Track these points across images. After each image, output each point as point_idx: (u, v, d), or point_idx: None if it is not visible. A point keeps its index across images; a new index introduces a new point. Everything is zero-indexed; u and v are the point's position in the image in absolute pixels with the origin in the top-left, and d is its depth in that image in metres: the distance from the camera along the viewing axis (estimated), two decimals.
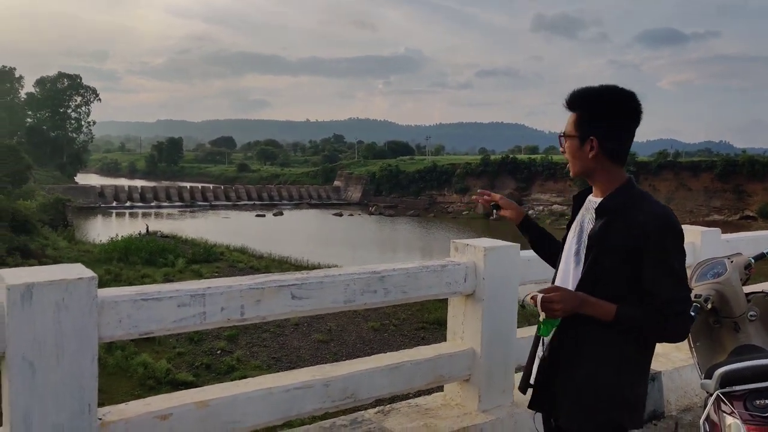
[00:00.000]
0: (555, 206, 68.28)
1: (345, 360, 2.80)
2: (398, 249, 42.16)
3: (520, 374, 3.37)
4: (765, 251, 3.11)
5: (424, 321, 16.98)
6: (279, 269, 25.06)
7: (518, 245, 2.96)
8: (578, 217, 1.98)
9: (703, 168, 61.44)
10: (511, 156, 76.65)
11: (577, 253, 1.89)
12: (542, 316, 1.77)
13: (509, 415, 2.86)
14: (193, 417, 2.11)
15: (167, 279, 20.98)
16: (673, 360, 3.73)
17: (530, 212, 68.79)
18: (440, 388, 3.08)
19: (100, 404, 1.96)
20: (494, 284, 2.85)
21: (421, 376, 2.73)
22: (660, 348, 3.98)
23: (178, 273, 22.09)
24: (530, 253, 3.17)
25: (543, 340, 1.89)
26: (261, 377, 2.49)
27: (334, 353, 14.53)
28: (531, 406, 1.97)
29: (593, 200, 1.93)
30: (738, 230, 6.74)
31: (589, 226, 1.88)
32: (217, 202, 70.43)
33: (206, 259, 25.54)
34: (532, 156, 77.79)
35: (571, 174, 1.96)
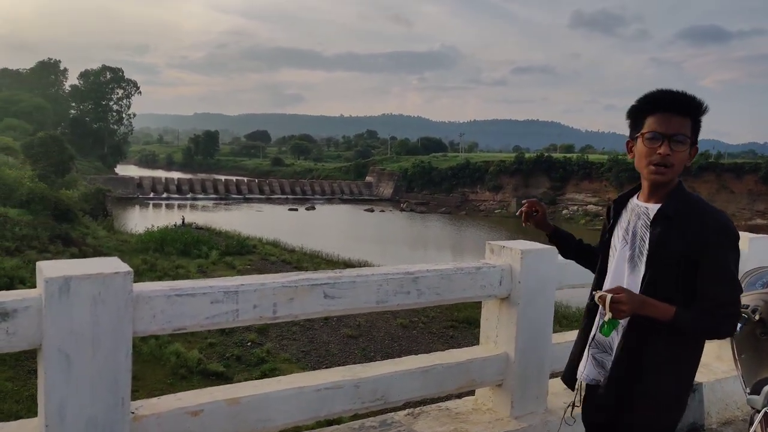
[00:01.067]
0: (590, 206, 67.05)
1: (373, 356, 2.81)
2: (429, 247, 42.05)
3: (555, 380, 3.29)
4: None
5: (454, 319, 16.88)
6: (310, 263, 25.26)
7: (555, 248, 2.88)
8: (626, 223, 1.99)
9: (746, 170, 59.53)
10: (546, 154, 75.51)
11: (632, 258, 1.93)
12: (608, 316, 1.79)
13: (542, 423, 2.79)
14: (224, 414, 2.11)
15: (201, 270, 21.34)
16: (714, 371, 3.60)
17: (564, 212, 67.90)
18: (472, 392, 3.03)
19: (134, 391, 1.97)
20: (530, 288, 2.78)
21: (453, 380, 2.68)
22: (702, 358, 3.85)
23: (211, 265, 22.44)
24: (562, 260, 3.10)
25: (596, 338, 1.99)
26: (292, 376, 2.48)
27: (362, 349, 14.57)
28: (587, 409, 2.03)
29: (643, 205, 1.95)
30: None
31: (644, 232, 1.90)
32: (251, 196, 71.34)
33: (239, 252, 25.87)
34: (568, 155, 76.56)
35: (664, 180, 1.89)
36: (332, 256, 28.39)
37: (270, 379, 2.43)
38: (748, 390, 2.35)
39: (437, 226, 55.35)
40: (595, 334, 1.97)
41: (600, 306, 1.85)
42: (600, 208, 66.37)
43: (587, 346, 2.02)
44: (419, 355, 2.77)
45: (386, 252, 34.12)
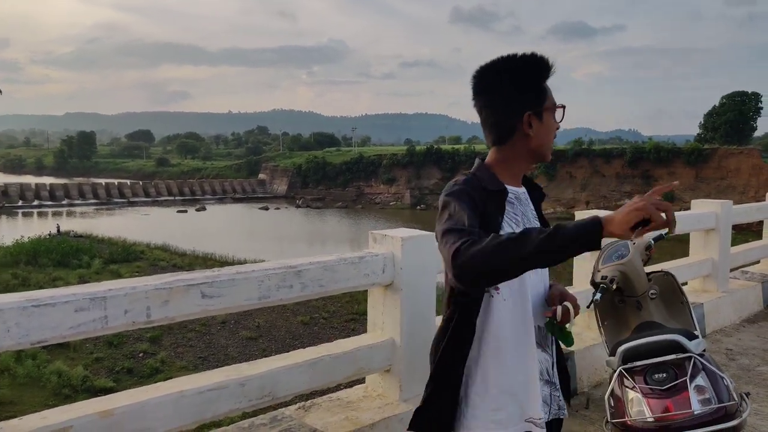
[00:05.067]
0: None
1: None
2: (327, 241, 41.98)
3: None
4: (663, 233, 3.29)
5: (354, 312, 17.00)
6: (203, 266, 24.34)
7: (433, 234, 2.99)
8: (513, 211, 1.65)
9: (614, 155, 64.84)
10: (435, 146, 77.85)
11: None
12: (570, 326, 1.71)
13: None
14: (97, 428, 1.99)
15: (82, 281, 19.89)
16: (584, 339, 3.90)
17: None
18: (364, 380, 3.07)
19: (9, 417, 1.81)
20: (412, 274, 2.86)
21: (342, 370, 2.71)
22: (574, 328, 4.16)
23: (94, 274, 20.99)
24: None
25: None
26: (172, 381, 2.39)
27: (263, 349, 14.28)
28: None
29: (520, 190, 1.70)
30: None
31: (534, 219, 1.71)
32: (136, 199, 67.38)
33: (125, 259, 24.41)
34: (456, 146, 79.42)
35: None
36: (227, 257, 27.54)
37: (148, 386, 2.32)
38: (609, 353, 2.58)
39: (334, 221, 55.38)
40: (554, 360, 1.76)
41: (553, 316, 1.66)
42: None
43: (541, 373, 1.66)
44: (306, 348, 2.77)
45: (284, 250, 33.65)
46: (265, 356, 2.95)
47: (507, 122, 1.59)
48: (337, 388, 3.05)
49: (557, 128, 1.64)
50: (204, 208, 61.76)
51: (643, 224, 1.31)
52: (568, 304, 1.69)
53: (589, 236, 1.30)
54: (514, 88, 1.57)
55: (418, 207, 68.58)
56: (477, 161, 1.69)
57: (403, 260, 2.82)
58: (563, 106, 1.64)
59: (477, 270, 1.35)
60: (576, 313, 1.69)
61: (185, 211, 58.74)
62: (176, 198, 68.99)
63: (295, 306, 16.23)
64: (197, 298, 2.20)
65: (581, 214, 4.21)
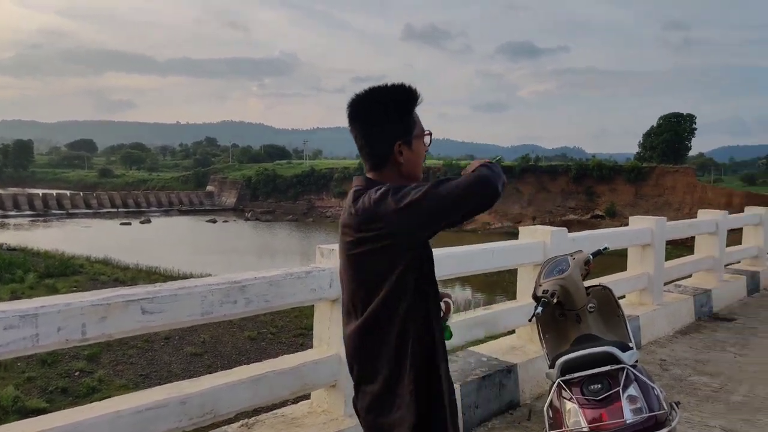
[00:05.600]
0: None
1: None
2: (277, 255, 41.45)
3: None
4: (601, 248, 3.43)
5: (303, 327, 16.78)
6: (147, 280, 23.58)
7: None
8: None
9: (559, 172, 66.85)
10: None
11: None
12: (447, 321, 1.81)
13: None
14: None
15: (15, 297, 18.91)
16: (527, 353, 4.00)
17: None
18: (309, 396, 3.05)
19: None
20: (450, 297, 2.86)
21: (286, 386, 2.68)
22: (517, 341, 4.26)
23: (28, 289, 19.97)
24: None
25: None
26: (109, 400, 2.31)
27: (208, 366, 13.90)
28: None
29: None
30: (590, 228, 7.37)
31: None
32: (76, 210, 64.71)
33: (63, 273, 23.30)
34: None
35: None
36: (172, 271, 26.77)
37: (83, 406, 2.23)
38: (549, 365, 2.65)
39: (284, 234, 54.78)
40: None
41: (443, 310, 1.80)
42: None
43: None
44: (251, 364, 2.73)
45: (232, 263, 32.97)
46: (210, 373, 2.89)
47: (380, 151, 1.70)
48: (283, 404, 3.02)
49: (426, 150, 1.77)
50: (149, 221, 59.98)
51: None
52: (447, 299, 1.84)
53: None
54: (385, 118, 1.68)
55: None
56: (363, 179, 1.75)
57: (330, 273, 2.82)
58: (430, 133, 1.77)
59: (496, 186, 1.56)
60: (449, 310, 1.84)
61: (129, 224, 56.86)
62: (119, 210, 66.72)
63: (242, 321, 15.91)
64: (137, 315, 2.14)
65: (527, 231, 4.33)
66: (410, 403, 1.60)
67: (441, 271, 3.49)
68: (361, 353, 1.69)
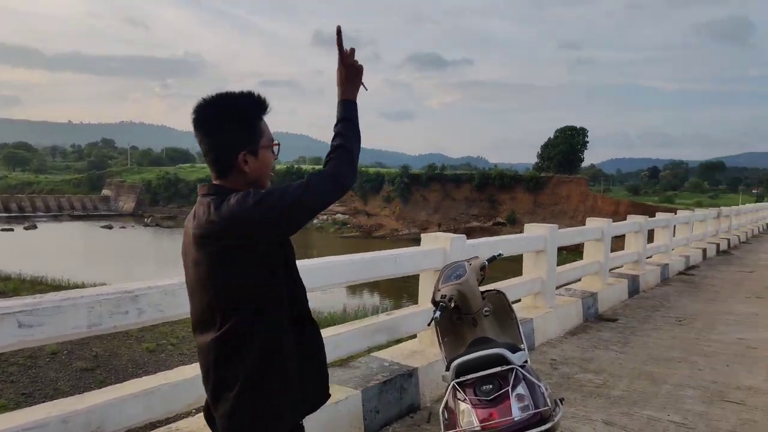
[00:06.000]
0: (338, 215, 70.87)
1: None
2: (178, 263, 39.74)
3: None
4: (496, 254, 3.60)
5: None
6: (32, 291, 21.81)
7: None
8: None
9: (464, 180, 69.18)
10: (296, 166, 77.63)
11: None
12: None
13: None
14: None
15: None
16: (428, 356, 4.10)
17: (315, 221, 70.54)
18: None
19: None
20: None
21: (182, 398, 2.59)
22: (419, 345, 4.37)
23: None
24: (307, 262, 3.25)
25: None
26: None
27: (100, 381, 13.02)
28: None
29: None
30: (492, 235, 7.70)
31: None
32: None
33: None
34: (317, 166, 79.77)
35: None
36: (61, 281, 24.93)
37: None
38: (445, 368, 2.74)
39: None
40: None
41: None
42: (348, 216, 70.64)
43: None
44: (144, 377, 2.61)
45: (132, 272, 31.25)
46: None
47: (224, 160, 1.69)
48: (178, 417, 2.91)
49: (275, 159, 1.77)
50: (35, 226, 55.59)
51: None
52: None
53: (356, 112, 1.80)
54: (230, 127, 1.67)
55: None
56: (210, 186, 1.73)
57: None
58: (278, 144, 1.78)
59: (351, 179, 1.67)
60: None
61: (11, 230, 52.41)
62: (0, 215, 61.39)
63: (139, 332, 15.10)
64: (13, 328, 1.99)
65: (429, 238, 4.45)
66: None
67: (345, 278, 3.54)
68: (220, 363, 1.66)
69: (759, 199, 75.78)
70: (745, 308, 7.67)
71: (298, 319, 1.76)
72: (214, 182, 1.74)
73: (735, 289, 9.11)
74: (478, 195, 67.69)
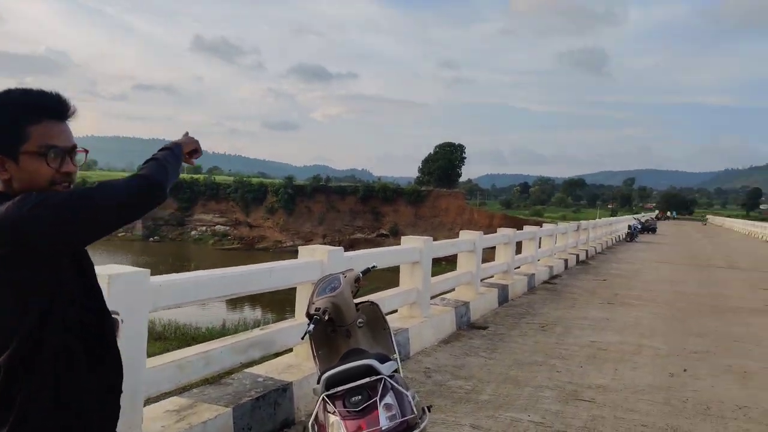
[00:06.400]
0: (218, 227, 68.46)
1: None
2: None
3: (151, 406, 3.23)
4: (370, 266, 3.67)
5: None
6: None
7: (148, 271, 2.85)
8: None
9: (348, 192, 69.78)
10: None
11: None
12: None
13: None
14: None
15: None
16: (303, 370, 4.08)
17: (193, 233, 67.59)
18: None
19: None
20: (121, 314, 2.66)
21: None
22: (295, 359, 4.33)
23: None
24: (163, 278, 3.10)
25: None
26: None
27: None
28: None
29: None
30: (376, 246, 7.82)
31: None
32: None
33: None
34: (195, 175, 76.73)
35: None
36: None
37: None
38: (317, 381, 2.74)
39: None
40: None
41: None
42: (228, 227, 68.44)
43: None
44: None
45: None
46: None
47: None
48: None
49: (65, 171, 1.51)
50: None
51: (193, 152, 1.89)
52: (116, 316, 1.81)
53: (179, 152, 1.75)
54: None
55: (151, 239, 63.95)
56: None
57: (109, 300, 2.61)
58: (49, 146, 1.48)
59: (164, 185, 1.54)
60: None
61: None
62: None
63: None
64: None
65: (306, 250, 4.43)
66: None
67: (217, 292, 3.43)
68: None
69: (614, 213, 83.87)
70: (598, 313, 8.43)
71: (95, 349, 1.54)
72: None
73: (590, 297, 9.99)
74: (362, 207, 68.55)
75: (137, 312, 2.77)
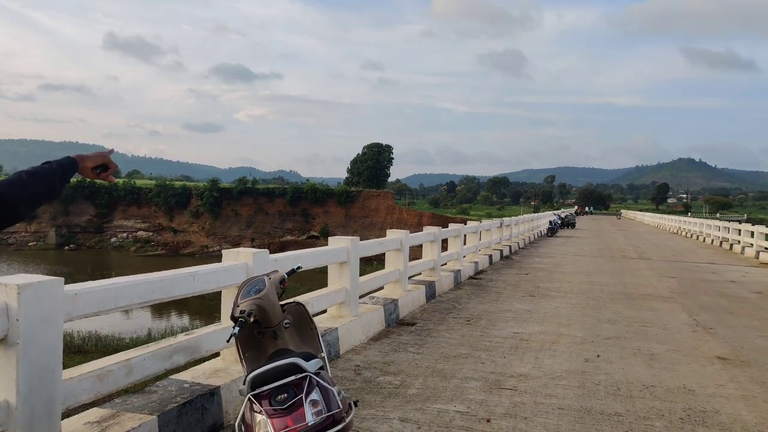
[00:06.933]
0: (140, 233, 65.74)
1: None
2: None
3: (70, 419, 3.13)
4: (295, 267, 3.70)
5: None
6: None
7: (62, 279, 2.75)
8: None
9: (277, 194, 68.85)
10: (88, 180, 70.43)
11: None
12: None
13: None
14: None
15: None
16: (232, 373, 4.04)
17: (113, 239, 64.57)
18: None
19: None
20: (32, 325, 2.56)
21: None
22: (222, 364, 4.28)
23: None
24: (79, 286, 3.00)
25: None
26: None
27: None
28: None
29: None
30: (307, 248, 7.76)
31: None
32: None
33: None
34: (116, 179, 73.42)
35: None
36: None
37: None
38: (243, 382, 2.74)
39: None
40: None
41: None
42: (151, 233, 65.86)
43: None
44: None
45: None
46: None
47: None
48: None
49: None
50: None
51: (102, 168, 1.82)
52: None
53: (71, 167, 1.68)
54: None
55: (66, 247, 60.54)
56: None
57: (20, 310, 2.51)
58: None
59: (12, 202, 1.47)
60: None
61: None
62: None
63: None
64: None
65: (231, 253, 4.39)
66: None
67: (138, 299, 3.35)
68: None
69: (536, 209, 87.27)
70: (520, 306, 8.80)
71: None
72: None
73: (514, 290, 10.40)
74: (291, 209, 67.84)
75: (51, 322, 2.67)
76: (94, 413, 3.22)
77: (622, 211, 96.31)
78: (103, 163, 1.79)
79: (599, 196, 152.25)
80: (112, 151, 1.87)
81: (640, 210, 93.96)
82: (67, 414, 3.06)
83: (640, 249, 21.94)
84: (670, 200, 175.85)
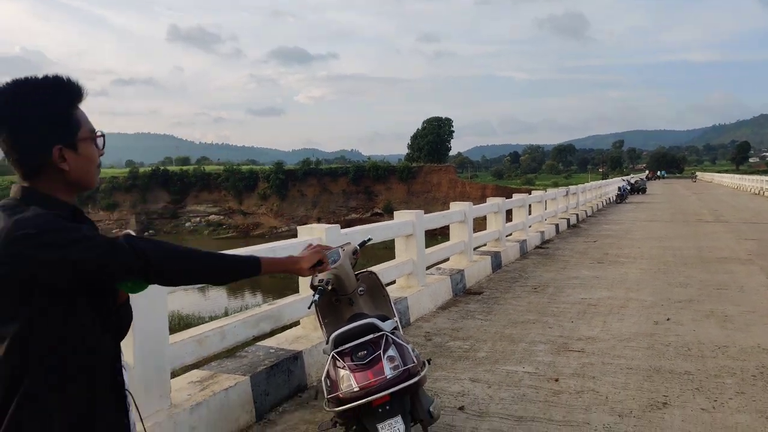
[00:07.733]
0: (212, 216, 68.54)
1: None
2: None
3: (176, 379, 3.53)
4: (366, 239, 3.95)
5: None
6: None
7: None
8: None
9: (339, 174, 69.84)
10: (162, 168, 73.83)
11: None
12: None
13: (168, 417, 3.00)
14: None
15: None
16: (312, 340, 4.38)
17: (188, 224, 67.60)
18: None
19: None
20: (144, 295, 2.93)
21: None
22: (302, 331, 4.63)
23: None
24: None
25: None
26: None
27: None
28: None
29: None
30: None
31: None
32: None
33: None
34: (185, 167, 76.56)
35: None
36: None
37: None
38: (326, 342, 3.03)
39: None
40: None
41: None
42: (222, 217, 68.56)
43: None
44: None
45: None
46: None
47: (33, 157, 1.39)
48: None
49: (101, 155, 1.50)
50: None
51: (318, 264, 1.84)
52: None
53: (252, 268, 1.59)
54: (36, 119, 1.37)
55: (147, 233, 64.02)
56: (20, 189, 1.42)
57: None
58: (102, 135, 1.51)
59: (180, 266, 1.46)
60: None
61: None
62: None
63: None
64: None
65: (305, 229, 4.70)
66: None
67: None
68: None
69: (605, 176, 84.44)
70: (588, 273, 8.78)
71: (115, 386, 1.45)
72: (23, 184, 1.41)
73: (581, 258, 10.34)
74: (354, 188, 68.68)
75: (158, 291, 3.04)
76: (196, 374, 3.62)
77: (697, 173, 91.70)
78: (319, 260, 1.82)
79: (672, 159, 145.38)
80: (319, 247, 1.89)
81: (718, 172, 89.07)
82: (173, 376, 3.46)
83: (716, 212, 21.02)
84: (751, 159, 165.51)
